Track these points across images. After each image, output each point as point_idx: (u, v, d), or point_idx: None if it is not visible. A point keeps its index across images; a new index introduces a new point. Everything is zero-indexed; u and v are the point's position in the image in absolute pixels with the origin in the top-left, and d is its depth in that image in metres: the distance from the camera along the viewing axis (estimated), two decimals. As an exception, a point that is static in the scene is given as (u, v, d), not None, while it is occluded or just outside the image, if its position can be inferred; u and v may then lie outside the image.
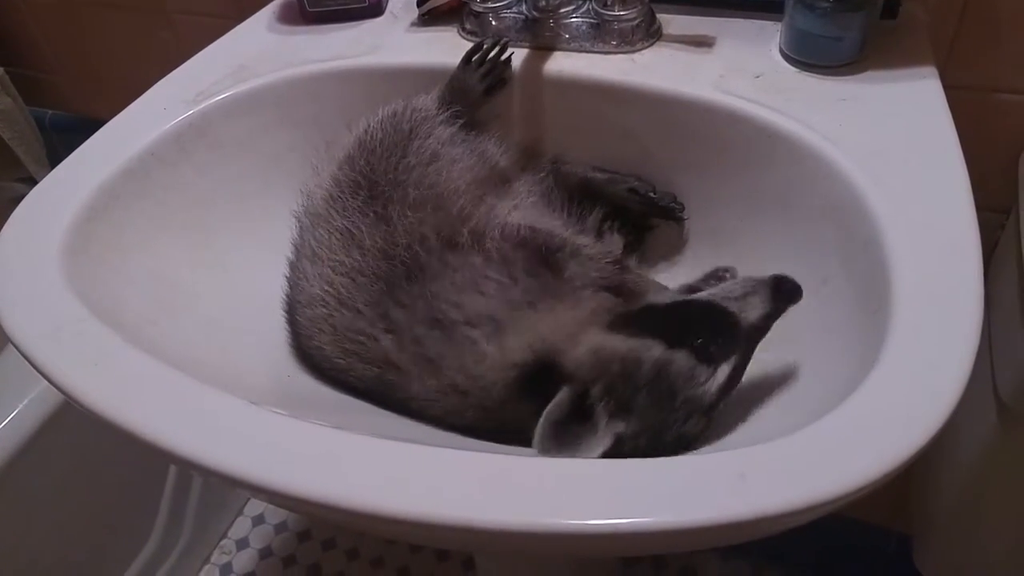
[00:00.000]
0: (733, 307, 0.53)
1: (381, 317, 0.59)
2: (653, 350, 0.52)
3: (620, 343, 0.53)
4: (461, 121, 0.68)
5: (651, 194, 0.68)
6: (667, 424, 0.51)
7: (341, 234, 0.62)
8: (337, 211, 0.63)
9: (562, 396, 0.51)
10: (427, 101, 0.68)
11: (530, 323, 0.56)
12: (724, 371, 0.51)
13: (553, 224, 0.65)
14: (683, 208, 0.68)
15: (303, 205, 0.67)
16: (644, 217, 0.71)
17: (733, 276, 0.61)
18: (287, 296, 0.66)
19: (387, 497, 0.39)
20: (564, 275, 0.59)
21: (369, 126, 0.67)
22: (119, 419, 0.45)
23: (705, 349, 0.51)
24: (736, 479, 0.38)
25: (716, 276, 0.62)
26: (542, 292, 0.58)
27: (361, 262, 0.60)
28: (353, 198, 0.63)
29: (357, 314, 0.59)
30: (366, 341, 0.59)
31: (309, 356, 0.63)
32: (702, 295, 0.55)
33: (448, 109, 0.68)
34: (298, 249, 0.66)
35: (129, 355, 0.49)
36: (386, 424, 0.58)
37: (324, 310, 0.61)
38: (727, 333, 0.52)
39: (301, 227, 0.66)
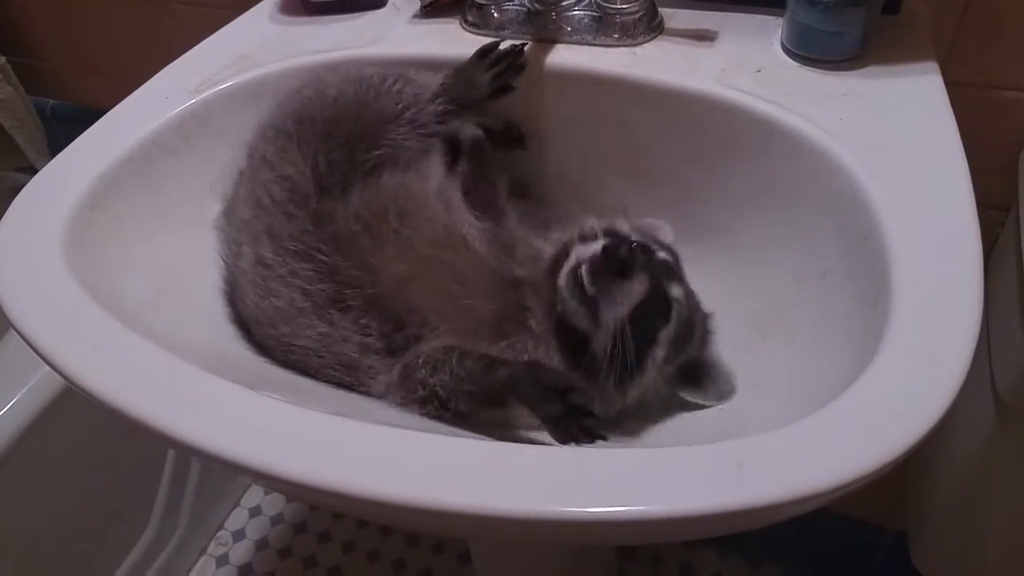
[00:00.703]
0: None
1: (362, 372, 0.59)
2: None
3: None
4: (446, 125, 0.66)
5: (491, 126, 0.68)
6: None
7: (298, 293, 0.59)
8: (280, 258, 0.60)
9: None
10: (428, 78, 0.67)
11: None
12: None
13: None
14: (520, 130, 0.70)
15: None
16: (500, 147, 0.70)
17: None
18: (239, 310, 0.64)
19: (386, 483, 0.39)
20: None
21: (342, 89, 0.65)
22: (119, 403, 0.45)
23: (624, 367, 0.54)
24: (734, 468, 0.38)
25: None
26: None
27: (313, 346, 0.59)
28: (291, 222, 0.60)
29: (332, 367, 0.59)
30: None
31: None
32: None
33: (442, 101, 0.66)
34: (238, 283, 0.63)
35: (129, 340, 0.49)
36: (385, 413, 0.58)
37: (303, 357, 0.60)
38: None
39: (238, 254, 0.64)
